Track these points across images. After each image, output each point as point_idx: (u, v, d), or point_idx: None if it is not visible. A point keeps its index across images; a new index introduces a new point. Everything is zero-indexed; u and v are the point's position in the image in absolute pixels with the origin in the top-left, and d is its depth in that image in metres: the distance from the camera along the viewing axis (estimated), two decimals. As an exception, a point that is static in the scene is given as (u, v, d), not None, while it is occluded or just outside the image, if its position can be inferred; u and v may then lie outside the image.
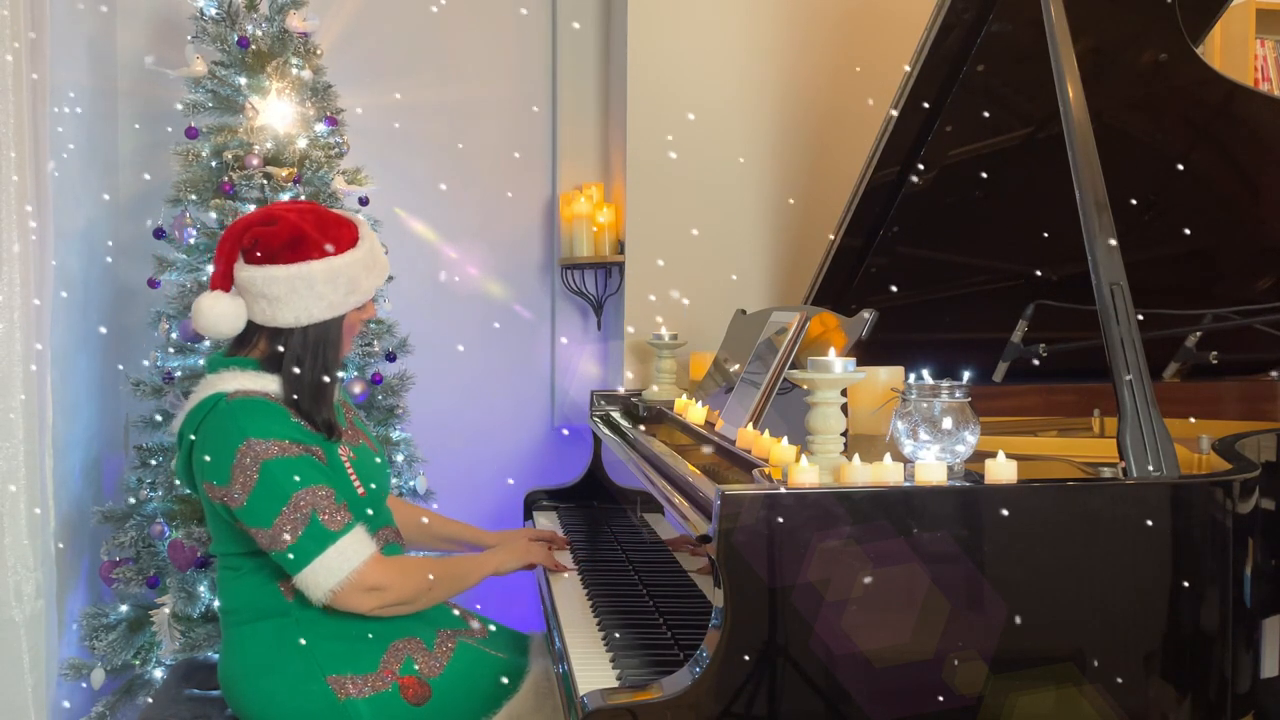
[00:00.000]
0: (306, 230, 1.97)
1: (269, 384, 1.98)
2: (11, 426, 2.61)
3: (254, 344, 2.02)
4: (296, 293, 1.96)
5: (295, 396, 1.98)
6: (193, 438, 1.97)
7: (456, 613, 2.20)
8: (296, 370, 1.98)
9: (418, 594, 1.99)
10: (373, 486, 2.06)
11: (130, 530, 2.88)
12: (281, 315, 1.97)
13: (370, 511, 2.03)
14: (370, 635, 1.98)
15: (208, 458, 1.92)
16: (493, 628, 2.22)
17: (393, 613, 1.97)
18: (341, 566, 1.88)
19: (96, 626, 2.86)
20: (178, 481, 2.11)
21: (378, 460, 2.14)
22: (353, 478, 2.02)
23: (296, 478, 1.88)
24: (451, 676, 2.00)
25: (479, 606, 2.46)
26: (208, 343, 2.87)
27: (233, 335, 2.03)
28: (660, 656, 1.74)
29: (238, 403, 1.93)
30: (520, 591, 3.28)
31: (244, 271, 1.98)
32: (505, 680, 2.07)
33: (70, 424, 2.95)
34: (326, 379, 2.01)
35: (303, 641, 1.96)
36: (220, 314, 1.98)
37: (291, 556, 1.88)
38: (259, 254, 1.96)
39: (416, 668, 1.97)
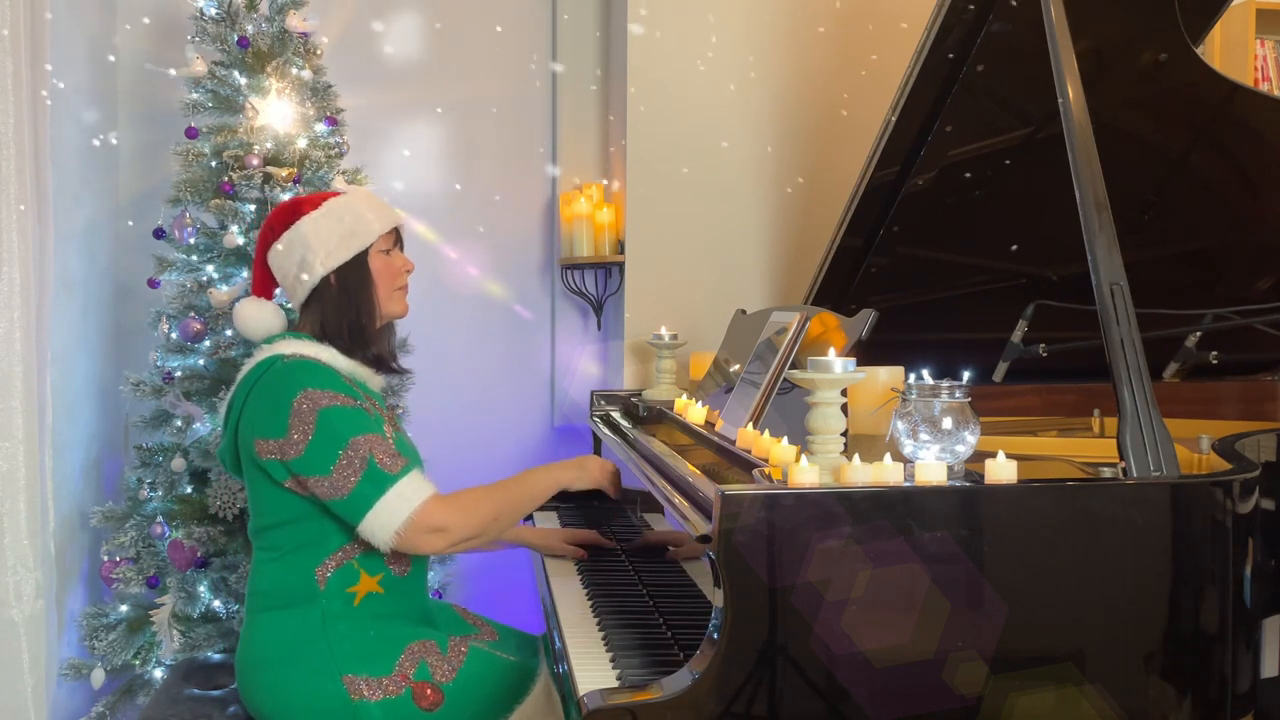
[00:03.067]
0: (302, 199, 2.16)
1: (321, 351, 2.05)
2: (11, 426, 2.61)
3: (302, 323, 2.12)
4: (310, 242, 2.07)
5: (344, 338, 2.07)
6: (256, 381, 2.01)
7: (467, 620, 2.21)
8: (336, 316, 2.08)
9: (483, 528, 2.00)
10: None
11: (130, 530, 2.88)
12: (309, 273, 2.08)
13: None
14: (388, 636, 1.99)
15: (262, 412, 1.97)
16: (501, 631, 2.23)
17: (463, 549, 2.00)
18: (402, 508, 1.90)
19: (96, 626, 2.86)
20: (221, 463, 2.18)
21: (414, 450, 2.17)
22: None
23: (352, 425, 1.93)
24: (464, 681, 2.00)
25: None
26: (207, 342, 2.87)
27: (272, 331, 2.15)
28: (660, 656, 1.74)
29: (295, 362, 2.00)
30: (521, 591, 3.28)
31: (272, 255, 2.12)
32: (517, 683, 2.07)
33: (70, 424, 2.95)
34: (364, 318, 2.09)
35: (322, 637, 1.97)
36: (249, 315, 2.16)
37: (352, 504, 1.91)
38: (272, 233, 2.12)
39: (430, 672, 1.98)
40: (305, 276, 2.09)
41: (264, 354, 2.05)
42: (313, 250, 2.07)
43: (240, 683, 2.08)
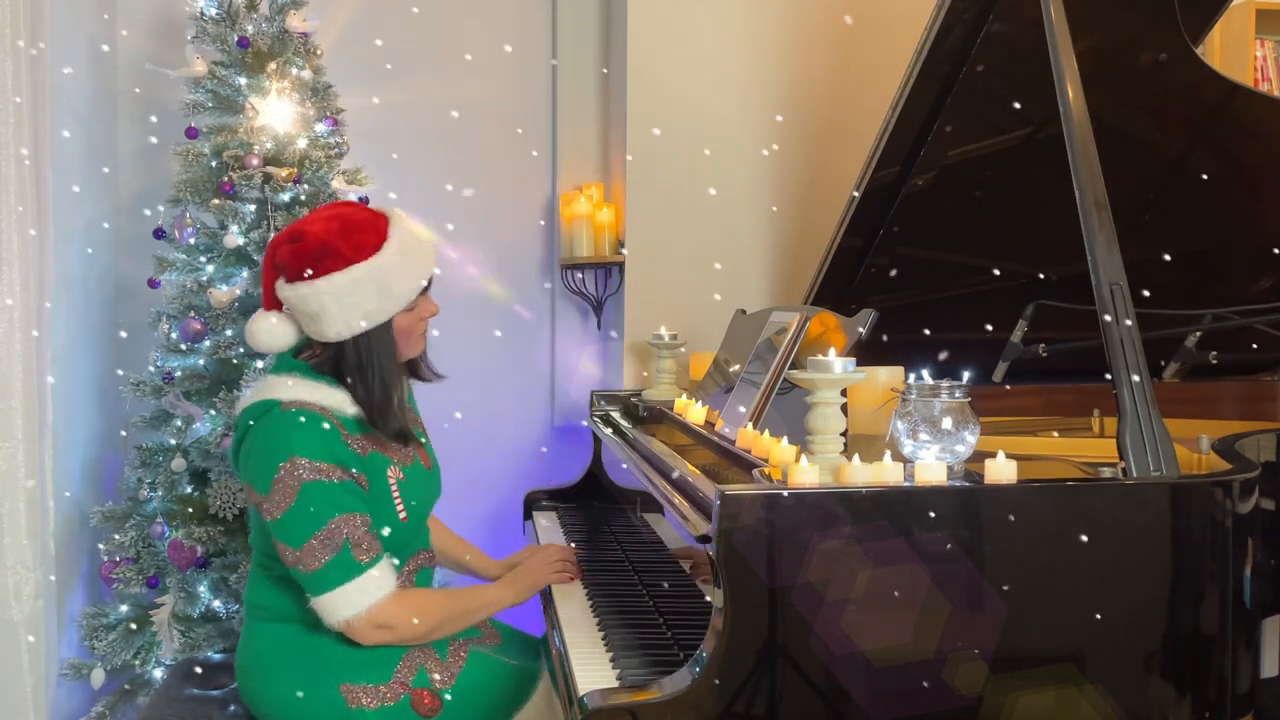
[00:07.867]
0: (330, 241, 1.95)
1: (326, 396, 1.96)
2: (11, 426, 2.61)
3: (313, 349, 2.02)
4: (329, 308, 1.93)
5: (366, 411, 1.97)
6: (251, 423, 1.95)
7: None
8: (358, 385, 1.97)
9: (427, 634, 1.98)
10: (414, 504, 2.04)
11: (130, 530, 2.88)
12: (325, 330, 1.96)
13: (405, 536, 2.02)
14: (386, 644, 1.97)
15: (252, 463, 1.92)
16: (504, 633, 2.22)
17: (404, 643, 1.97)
18: (361, 600, 1.88)
19: (96, 626, 2.86)
20: (232, 467, 2.10)
21: (428, 473, 2.12)
22: (396, 501, 2.00)
23: (334, 504, 1.87)
24: (464, 686, 1.99)
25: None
26: (207, 342, 2.87)
27: (289, 347, 2.05)
28: (660, 656, 1.74)
29: (291, 414, 1.91)
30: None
31: (283, 291, 1.99)
32: (517, 687, 2.07)
33: (70, 424, 2.95)
34: (387, 390, 1.98)
35: (319, 646, 1.95)
36: (268, 331, 2.03)
37: (314, 580, 1.88)
38: (289, 273, 1.97)
39: (429, 678, 1.97)
40: (322, 330, 1.95)
41: (267, 391, 1.95)
42: (326, 320, 1.94)
43: (240, 685, 2.08)
